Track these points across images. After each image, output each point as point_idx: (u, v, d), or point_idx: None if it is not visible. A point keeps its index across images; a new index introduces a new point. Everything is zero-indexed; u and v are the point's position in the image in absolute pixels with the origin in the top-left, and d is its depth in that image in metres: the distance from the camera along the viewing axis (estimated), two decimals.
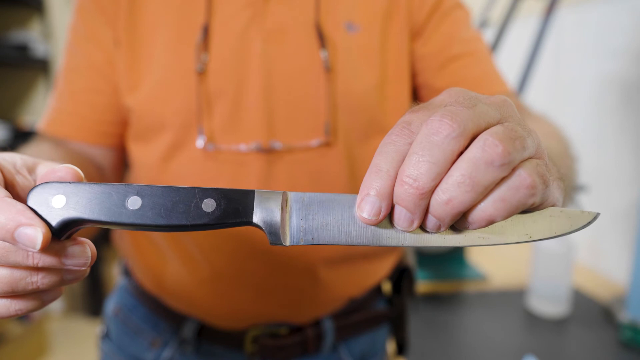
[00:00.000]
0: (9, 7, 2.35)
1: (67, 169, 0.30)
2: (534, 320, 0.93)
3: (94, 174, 0.60)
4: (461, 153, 0.25)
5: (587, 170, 1.17)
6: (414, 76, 0.63)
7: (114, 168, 0.66)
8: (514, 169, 0.25)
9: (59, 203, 0.28)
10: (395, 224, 0.27)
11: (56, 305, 2.54)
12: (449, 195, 0.24)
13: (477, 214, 0.25)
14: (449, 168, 0.25)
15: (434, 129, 0.25)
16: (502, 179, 0.25)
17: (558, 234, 0.27)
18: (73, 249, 0.28)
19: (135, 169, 0.64)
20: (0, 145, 2.10)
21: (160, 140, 0.58)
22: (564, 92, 1.32)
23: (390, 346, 0.76)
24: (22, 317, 2.10)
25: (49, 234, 0.26)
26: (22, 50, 2.26)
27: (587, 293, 1.04)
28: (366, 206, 0.26)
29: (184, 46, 0.57)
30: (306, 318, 0.64)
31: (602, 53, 1.17)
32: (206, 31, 0.56)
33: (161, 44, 0.58)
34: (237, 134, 0.57)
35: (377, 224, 0.27)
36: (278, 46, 0.57)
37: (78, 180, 0.30)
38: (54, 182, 0.28)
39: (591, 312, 0.95)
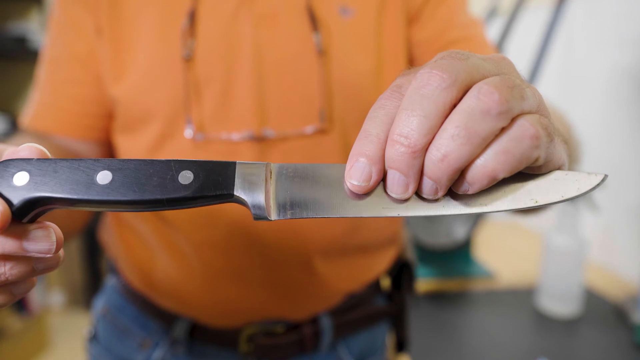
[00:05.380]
0: None
1: (31, 148, 0.27)
2: (543, 321, 0.90)
3: None
4: (455, 106, 0.23)
5: (599, 164, 1.13)
6: (411, 62, 0.61)
7: None
8: (514, 120, 0.22)
9: (21, 180, 0.25)
10: (389, 192, 0.24)
11: (57, 300, 2.54)
12: (444, 151, 0.22)
13: (477, 170, 0.22)
14: (442, 122, 0.22)
15: (423, 81, 0.22)
16: (502, 131, 0.22)
17: (566, 197, 0.25)
18: (35, 232, 0.26)
19: None
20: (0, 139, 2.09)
21: (148, 131, 0.56)
22: (575, 84, 1.28)
23: (391, 344, 0.73)
24: (22, 311, 2.10)
25: (8, 212, 0.24)
26: (21, 42, 2.24)
27: (600, 292, 1.01)
28: (355, 172, 0.24)
29: (169, 32, 0.54)
30: (303, 314, 0.62)
31: (615, 44, 1.13)
32: (193, 16, 0.54)
33: (145, 31, 0.55)
34: (228, 123, 0.54)
35: (370, 192, 0.25)
36: (269, 31, 0.54)
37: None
38: (16, 159, 0.26)
39: (603, 312, 0.92)
